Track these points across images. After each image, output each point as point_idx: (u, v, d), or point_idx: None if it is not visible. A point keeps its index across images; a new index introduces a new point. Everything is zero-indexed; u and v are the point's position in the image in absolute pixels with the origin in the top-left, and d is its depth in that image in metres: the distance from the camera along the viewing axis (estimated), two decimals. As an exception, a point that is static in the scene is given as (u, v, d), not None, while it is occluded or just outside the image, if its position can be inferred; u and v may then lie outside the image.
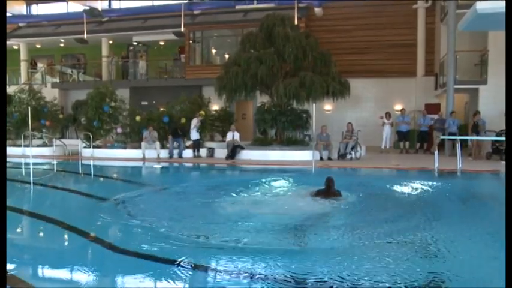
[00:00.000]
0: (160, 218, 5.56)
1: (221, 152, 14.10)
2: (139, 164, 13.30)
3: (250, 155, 13.66)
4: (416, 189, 7.99)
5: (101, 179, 10.72)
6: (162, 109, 16.19)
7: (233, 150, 13.58)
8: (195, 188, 8.52)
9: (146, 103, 19.73)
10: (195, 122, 14.45)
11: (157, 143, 14.09)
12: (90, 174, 11.56)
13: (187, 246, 4.40)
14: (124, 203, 6.67)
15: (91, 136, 14.58)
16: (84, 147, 15.08)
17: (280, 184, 8.60)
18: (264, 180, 8.87)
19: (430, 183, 8.51)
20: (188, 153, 14.39)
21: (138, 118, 15.07)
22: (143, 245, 4.32)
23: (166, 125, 14.90)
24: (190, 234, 4.80)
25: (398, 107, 17.26)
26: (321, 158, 12.91)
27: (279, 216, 5.77)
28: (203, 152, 14.48)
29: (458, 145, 10.61)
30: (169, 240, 4.53)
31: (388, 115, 15.40)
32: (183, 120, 15.01)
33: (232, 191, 7.48)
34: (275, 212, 6.04)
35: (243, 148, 13.84)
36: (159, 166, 12.87)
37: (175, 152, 14.12)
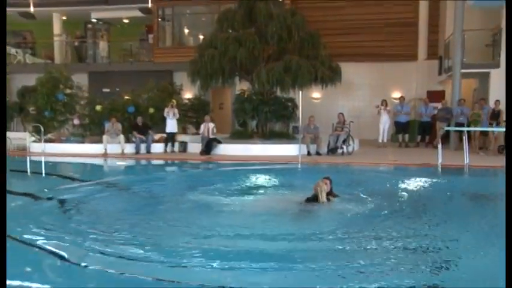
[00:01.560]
0: (101, 224, 5.46)
1: (195, 147, 14.03)
2: (100, 160, 13.11)
3: (228, 149, 13.59)
4: (417, 189, 7.95)
5: (50, 177, 10.44)
6: (126, 97, 16.01)
7: (208, 145, 13.50)
8: (157, 188, 8.27)
9: (108, 90, 19.51)
10: (166, 111, 14.45)
11: (122, 137, 13.90)
12: (41, 173, 11.31)
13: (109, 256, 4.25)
14: (69, 204, 6.55)
15: (42, 129, 14.23)
16: (34, 141, 14.79)
17: (262, 183, 8.48)
18: (243, 178, 8.74)
19: (433, 181, 8.51)
20: (158, 147, 14.27)
21: (98, 108, 14.92)
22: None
23: (132, 116, 14.76)
24: (127, 244, 4.65)
25: (396, 94, 17.30)
26: (309, 153, 12.86)
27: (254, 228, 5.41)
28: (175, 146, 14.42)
29: (465, 137, 10.63)
30: (92, 247, 4.47)
31: (385, 103, 15.32)
32: (151, 110, 14.91)
33: (204, 193, 7.32)
34: (250, 224, 5.64)
35: (219, 142, 13.78)
36: (123, 163, 12.75)
37: (143, 146, 13.96)
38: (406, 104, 15.80)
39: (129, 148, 13.94)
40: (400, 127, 15.48)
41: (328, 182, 6.42)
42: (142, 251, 4.43)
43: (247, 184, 8.38)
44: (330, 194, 6.45)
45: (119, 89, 19.19)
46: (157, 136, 14.80)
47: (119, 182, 9.37)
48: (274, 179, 8.82)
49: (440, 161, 10.34)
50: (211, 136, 13.69)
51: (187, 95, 18.06)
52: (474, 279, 3.76)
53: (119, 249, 4.49)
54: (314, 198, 6.31)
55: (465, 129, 11.54)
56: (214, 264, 4.04)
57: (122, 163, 12.78)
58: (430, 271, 3.88)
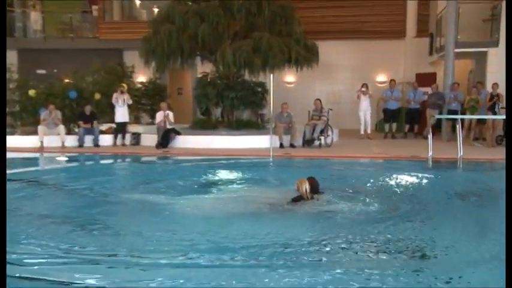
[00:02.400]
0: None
1: (150, 139, 14.04)
2: (35, 155, 12.83)
3: (188, 142, 13.67)
4: (403, 186, 8.06)
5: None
6: (67, 81, 15.86)
7: (165, 136, 13.53)
8: (99, 187, 8.07)
9: (44, 72, 19.26)
10: (115, 97, 14.41)
11: (61, 127, 13.78)
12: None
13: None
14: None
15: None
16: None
17: (227, 181, 8.50)
18: (204, 176, 8.75)
19: (422, 176, 8.62)
20: (106, 140, 14.24)
21: (32, 93, 14.71)
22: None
23: (74, 103, 14.59)
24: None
25: (381, 77, 17.56)
26: (281, 145, 13.00)
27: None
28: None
29: (459, 126, 10.83)
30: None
31: (365, 86, 15.31)
32: (97, 96, 14.81)
33: (156, 193, 7.26)
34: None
35: (178, 133, 13.82)
36: (63, 158, 12.62)
37: (88, 138, 13.88)
38: (395, 89, 15.90)
39: (71, 141, 13.82)
40: (389, 115, 15.62)
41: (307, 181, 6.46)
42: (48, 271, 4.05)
43: (209, 182, 8.36)
44: (315, 193, 6.52)
45: (57, 70, 18.97)
46: (104, 127, 14.68)
47: (53, 180, 9.13)
48: (241, 176, 8.85)
49: (430, 153, 10.48)
50: (168, 126, 13.69)
51: (140, 78, 17.94)
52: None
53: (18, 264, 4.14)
54: (300, 198, 6.37)
55: (459, 117, 11.74)
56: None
57: (61, 158, 12.59)
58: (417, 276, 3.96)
